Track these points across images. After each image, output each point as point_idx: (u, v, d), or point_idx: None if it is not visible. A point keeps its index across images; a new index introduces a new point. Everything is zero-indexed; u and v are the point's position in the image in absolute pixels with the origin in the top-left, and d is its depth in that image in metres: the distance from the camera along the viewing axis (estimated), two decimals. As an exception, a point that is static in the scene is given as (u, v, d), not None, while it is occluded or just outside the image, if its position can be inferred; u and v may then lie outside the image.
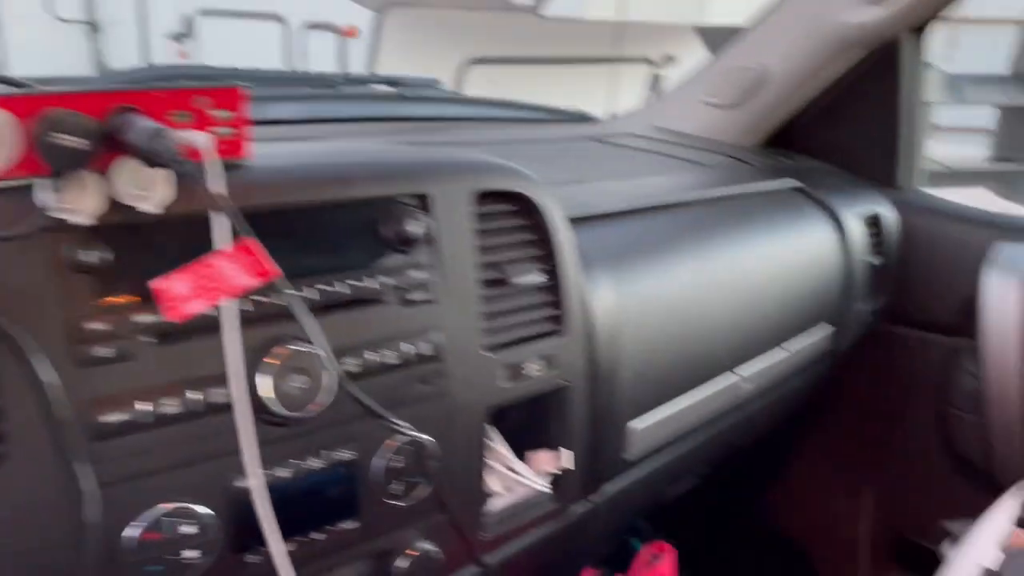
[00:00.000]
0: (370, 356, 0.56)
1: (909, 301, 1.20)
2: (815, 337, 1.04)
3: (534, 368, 0.66)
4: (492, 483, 0.67)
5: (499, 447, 0.67)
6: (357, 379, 0.54)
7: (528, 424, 0.72)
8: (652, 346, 0.78)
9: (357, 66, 4.38)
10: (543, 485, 0.70)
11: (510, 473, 0.68)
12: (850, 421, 1.30)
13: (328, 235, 0.55)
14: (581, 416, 0.71)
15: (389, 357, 0.57)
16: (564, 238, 0.68)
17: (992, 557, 0.64)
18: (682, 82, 1.33)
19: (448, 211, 0.60)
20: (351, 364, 0.54)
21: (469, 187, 0.62)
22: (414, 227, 0.57)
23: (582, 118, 1.40)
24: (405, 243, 0.58)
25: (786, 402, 1.08)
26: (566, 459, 0.70)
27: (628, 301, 0.75)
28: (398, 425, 0.55)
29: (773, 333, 0.96)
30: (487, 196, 0.63)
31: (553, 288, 0.68)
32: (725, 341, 0.88)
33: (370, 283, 0.56)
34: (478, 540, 0.65)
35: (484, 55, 4.26)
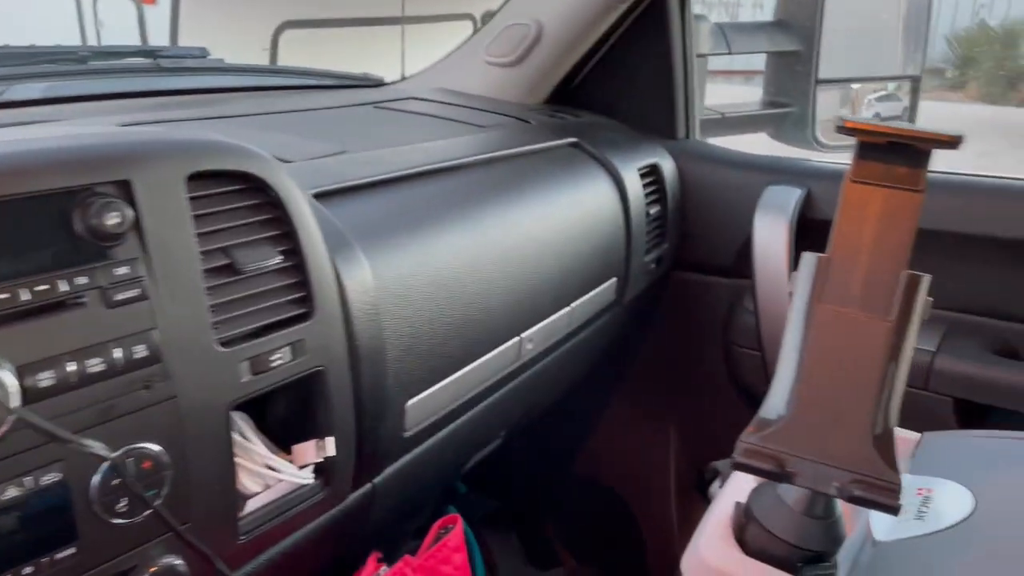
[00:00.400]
0: (71, 367, 0.50)
1: (693, 247, 1.25)
2: (601, 291, 1.06)
3: (280, 357, 0.62)
4: (248, 483, 0.63)
5: (253, 444, 0.63)
6: (54, 394, 0.49)
7: (294, 415, 0.68)
8: (421, 320, 0.75)
9: (160, 37, 4.07)
10: (304, 477, 0.66)
11: (267, 470, 0.64)
12: (650, 366, 1.35)
13: (7, 235, 0.49)
14: (345, 400, 0.68)
15: (95, 365, 0.51)
16: (303, 215, 0.64)
17: (746, 492, 0.66)
18: (465, 41, 1.31)
19: (156, 198, 0.55)
20: (45, 379, 0.48)
21: (180, 170, 0.56)
22: (114, 219, 0.51)
23: (368, 83, 1.35)
24: (104, 238, 0.52)
25: (579, 356, 1.09)
26: (329, 447, 0.67)
27: (389, 275, 0.72)
28: (78, 443, 0.50)
29: (558, 294, 0.97)
30: (206, 177, 0.58)
31: (295, 269, 0.63)
32: (504, 307, 0.87)
33: (62, 286, 0.50)
34: (233, 546, 0.61)
35: (297, 18, 4.07)
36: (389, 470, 0.77)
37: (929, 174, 1.18)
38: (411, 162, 0.85)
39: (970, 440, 0.80)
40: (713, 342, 1.26)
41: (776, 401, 0.52)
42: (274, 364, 0.62)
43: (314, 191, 0.72)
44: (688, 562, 0.69)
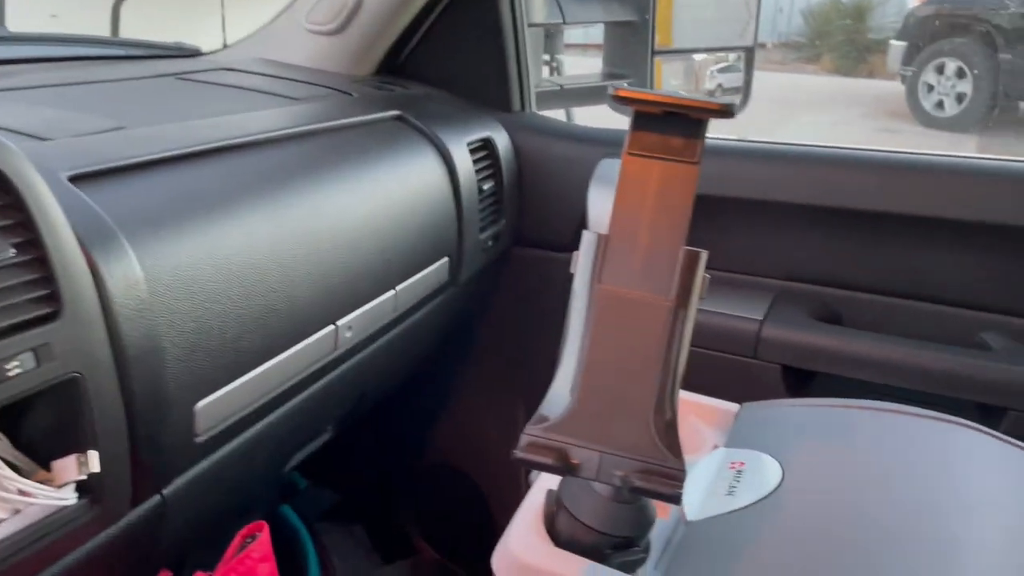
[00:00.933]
0: None
1: (532, 223, 1.22)
2: (431, 272, 1.01)
3: (18, 364, 0.54)
4: (-10, 510, 0.55)
5: (-7, 466, 0.55)
6: None
7: (53, 428, 0.60)
8: (208, 314, 0.68)
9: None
10: (62, 498, 0.59)
11: (16, 495, 0.56)
12: (496, 345, 1.32)
13: None
14: (112, 408, 0.61)
15: None
16: (43, 201, 0.56)
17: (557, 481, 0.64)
18: (287, 7, 1.22)
19: None
20: None
21: None
22: None
23: (182, 52, 1.24)
24: None
25: (413, 341, 1.05)
26: (92, 461, 0.60)
27: (164, 266, 0.65)
28: None
29: (379, 277, 0.91)
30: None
31: (36, 264, 0.55)
32: (314, 294, 0.81)
33: None
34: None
35: (137, -15, 3.79)
36: (181, 479, 0.70)
37: (755, 144, 1.19)
38: (200, 138, 0.78)
39: (784, 410, 0.80)
40: (557, 318, 1.24)
41: (560, 390, 0.49)
42: (11, 373, 0.54)
43: (71, 173, 0.64)
44: (499, 556, 0.65)
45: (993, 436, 0.73)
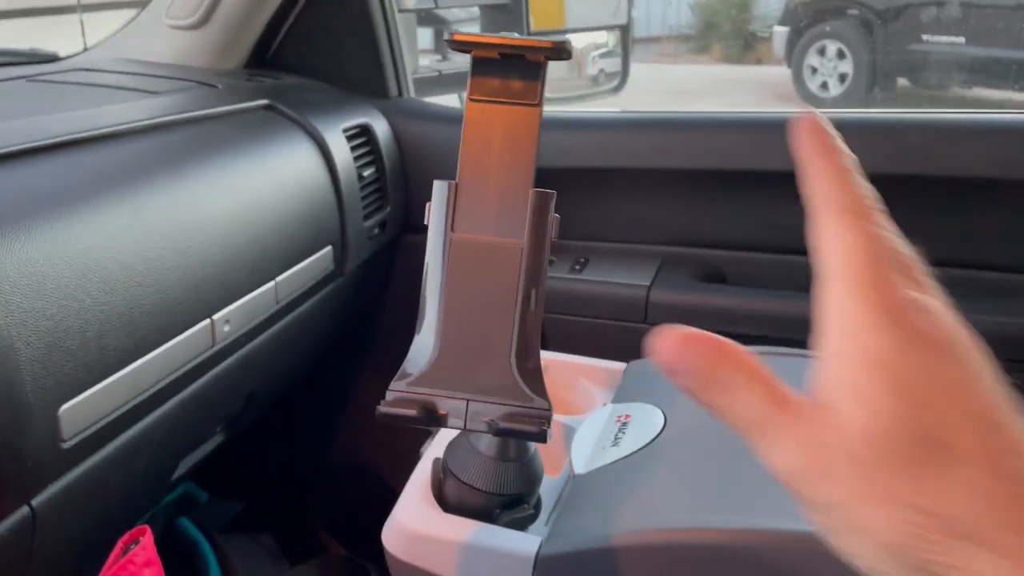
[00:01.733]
0: None
1: (418, 209, 1.21)
2: (314, 262, 0.99)
3: None
4: None
5: None
6: None
7: None
8: (65, 312, 0.65)
9: None
10: (-92, 514, 0.55)
11: None
12: (393, 334, 1.30)
13: None
14: (-38, 414, 0.57)
15: None
16: None
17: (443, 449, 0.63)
18: (145, 5, 1.18)
19: None
20: None
21: None
22: None
23: (37, 58, 1.19)
24: None
25: (300, 333, 1.02)
26: (-58, 473, 0.56)
27: (12, 263, 0.61)
28: None
29: (255, 268, 0.89)
30: None
31: None
32: (185, 287, 0.78)
33: None
34: None
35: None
36: (52, 488, 0.67)
37: (631, 114, 1.21)
38: (48, 132, 0.74)
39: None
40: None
41: (423, 343, 0.48)
42: None
43: (-103, 172, 0.60)
44: (388, 530, 0.65)
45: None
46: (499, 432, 0.46)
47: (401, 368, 0.48)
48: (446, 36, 0.48)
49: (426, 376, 0.47)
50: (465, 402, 0.47)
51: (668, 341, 0.30)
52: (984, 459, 0.25)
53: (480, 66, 0.48)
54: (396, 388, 0.47)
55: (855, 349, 0.27)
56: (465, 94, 0.49)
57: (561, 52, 0.47)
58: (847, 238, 0.29)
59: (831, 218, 0.30)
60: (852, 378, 0.27)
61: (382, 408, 0.47)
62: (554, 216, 0.48)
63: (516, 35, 0.48)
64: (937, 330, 0.27)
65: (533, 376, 0.47)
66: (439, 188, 0.49)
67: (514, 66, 0.48)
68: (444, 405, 0.47)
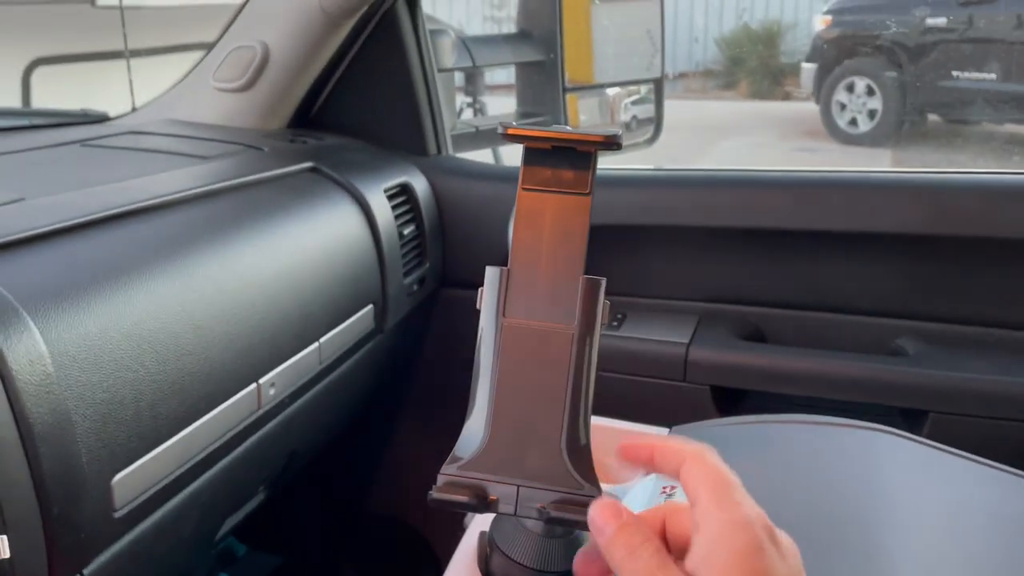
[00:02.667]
0: None
1: (457, 264, 1.23)
2: (356, 321, 1.00)
3: (-89, 454, 0.52)
4: None
5: None
6: None
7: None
8: (119, 383, 0.66)
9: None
10: (-30, 591, 0.56)
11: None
12: (431, 389, 1.31)
13: None
14: (21, 489, 0.58)
15: None
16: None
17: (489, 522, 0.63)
18: (193, 67, 1.21)
19: None
20: None
21: None
22: None
23: (89, 119, 1.22)
24: None
25: (342, 392, 1.03)
26: (3, 547, 0.57)
27: (70, 338, 0.63)
28: None
29: (300, 330, 0.90)
30: None
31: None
32: (232, 354, 0.79)
33: None
34: None
35: (48, 54, 3.72)
36: (103, 557, 0.68)
37: (668, 171, 1.22)
38: (103, 205, 0.76)
39: (713, 429, 0.82)
40: (489, 357, 1.24)
41: (474, 427, 0.48)
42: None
43: (-35, 250, 0.62)
44: (435, 605, 0.65)
45: (912, 440, 0.75)
46: (550, 520, 0.46)
47: (452, 452, 0.48)
48: (500, 130, 0.49)
49: (477, 461, 0.48)
50: (516, 488, 0.47)
51: (598, 510, 0.43)
52: None
53: (532, 156, 0.49)
54: (447, 472, 0.48)
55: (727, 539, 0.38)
56: (518, 184, 0.50)
57: (611, 144, 0.48)
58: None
59: None
60: (719, 561, 0.38)
61: (434, 494, 0.47)
62: (605, 302, 0.48)
63: (568, 128, 0.49)
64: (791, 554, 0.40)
65: (583, 462, 0.47)
66: (491, 274, 0.50)
67: (565, 156, 0.49)
68: (495, 490, 0.47)
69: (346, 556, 1.36)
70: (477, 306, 0.51)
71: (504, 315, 0.49)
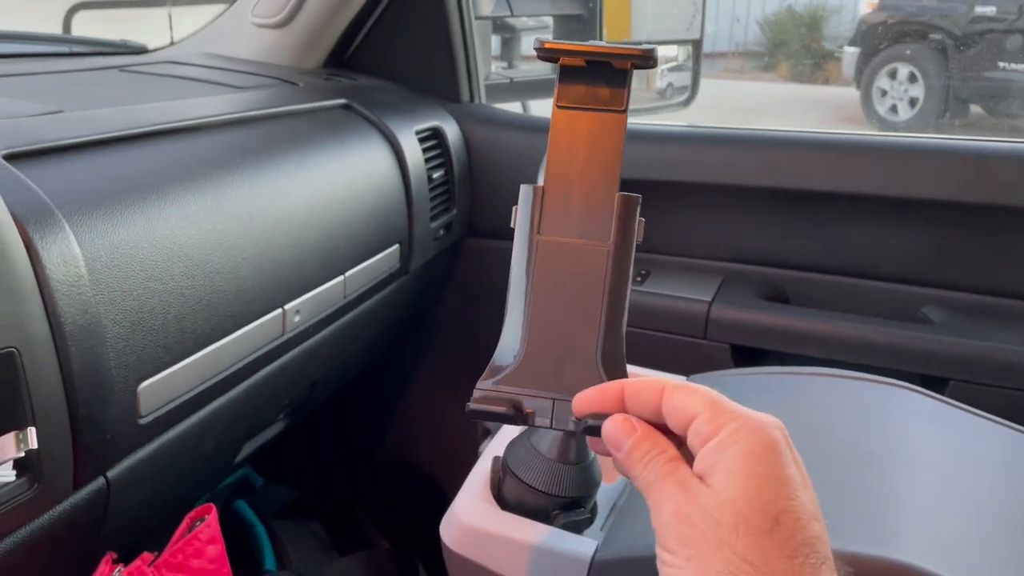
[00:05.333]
0: None
1: (484, 213, 1.23)
2: (382, 259, 1.01)
3: (-55, 338, 0.53)
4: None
5: (-75, 442, 0.54)
6: None
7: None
8: (149, 293, 0.68)
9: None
10: (1, 475, 0.58)
11: (-53, 471, 0.55)
12: (450, 335, 1.32)
13: None
14: (50, 384, 0.60)
15: None
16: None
17: (503, 448, 0.64)
18: (232, 2, 1.22)
19: None
20: None
21: None
22: None
23: (128, 50, 1.24)
24: None
25: (363, 328, 1.04)
26: (31, 438, 0.59)
27: (103, 244, 0.64)
28: None
29: (327, 262, 0.91)
30: None
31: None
32: (260, 277, 0.81)
33: None
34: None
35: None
36: (127, 462, 0.70)
37: (699, 128, 1.21)
38: (140, 121, 0.77)
39: (731, 378, 0.82)
40: (510, 307, 1.24)
41: (509, 342, 0.49)
42: (-62, 347, 0.53)
43: (6, 152, 0.64)
44: (446, 523, 0.66)
45: (931, 396, 0.75)
46: (587, 430, 0.47)
47: (489, 366, 0.49)
48: (535, 44, 0.49)
49: (513, 375, 0.48)
50: (552, 401, 0.48)
51: (613, 425, 0.43)
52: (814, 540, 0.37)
53: (567, 74, 0.49)
54: (483, 386, 0.48)
55: (736, 442, 0.38)
56: (552, 100, 0.50)
57: (648, 60, 0.48)
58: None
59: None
60: (727, 463, 0.38)
61: (472, 405, 0.48)
62: (640, 219, 0.48)
63: (602, 43, 0.49)
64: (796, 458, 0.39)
65: (619, 375, 0.48)
66: (525, 192, 0.50)
67: (600, 73, 0.49)
68: (531, 404, 0.48)
69: (359, 496, 1.38)
70: (511, 224, 0.51)
71: (539, 232, 0.49)
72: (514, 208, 0.51)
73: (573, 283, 0.49)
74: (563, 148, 0.50)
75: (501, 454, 0.64)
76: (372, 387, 1.35)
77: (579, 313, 0.48)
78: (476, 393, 0.48)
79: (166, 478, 0.77)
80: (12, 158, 0.63)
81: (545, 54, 0.49)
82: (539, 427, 0.48)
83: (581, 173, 0.50)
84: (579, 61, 0.49)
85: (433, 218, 1.12)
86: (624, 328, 0.49)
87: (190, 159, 0.78)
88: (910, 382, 1.01)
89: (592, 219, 0.49)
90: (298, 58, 1.17)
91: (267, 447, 1.03)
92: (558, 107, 0.50)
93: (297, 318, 0.87)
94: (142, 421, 0.69)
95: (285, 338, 0.86)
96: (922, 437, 0.67)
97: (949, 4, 7.11)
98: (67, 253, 0.61)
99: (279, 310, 0.84)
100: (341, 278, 0.94)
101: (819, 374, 0.78)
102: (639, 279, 1.17)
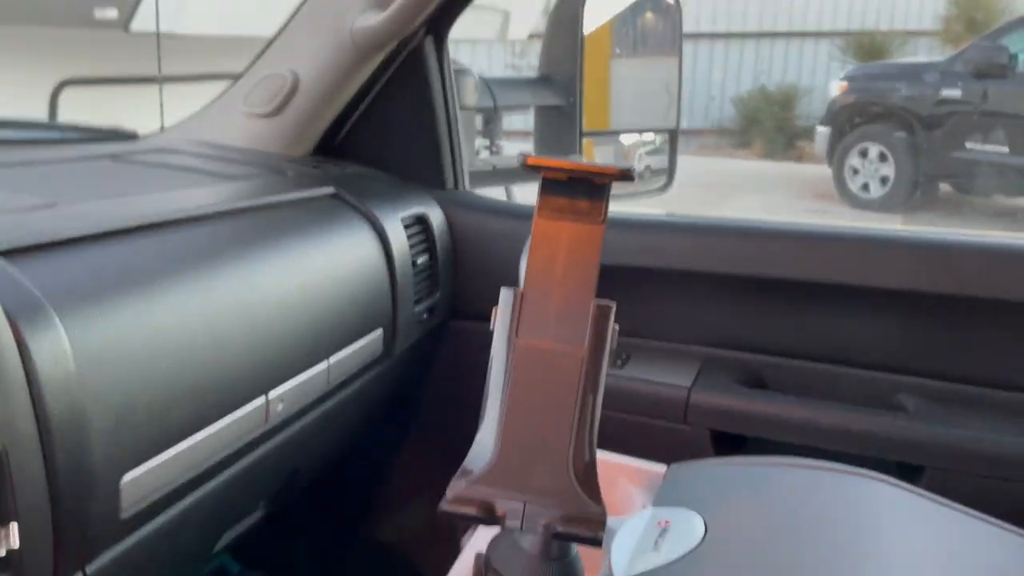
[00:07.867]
0: None
1: (468, 296, 1.25)
2: (365, 344, 1.02)
3: (-65, 439, 0.54)
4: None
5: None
6: None
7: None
8: (135, 387, 0.68)
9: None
10: (-21, 576, 0.57)
11: (-73, 571, 0.55)
12: (434, 418, 1.32)
13: None
14: (34, 481, 0.60)
15: None
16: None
17: (486, 543, 0.65)
18: (224, 91, 1.25)
19: None
20: None
21: None
22: None
23: (119, 136, 1.26)
24: None
25: (347, 413, 1.05)
26: (12, 536, 0.59)
27: (93, 339, 0.65)
28: None
29: (311, 348, 0.92)
30: None
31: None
32: (244, 365, 0.81)
33: None
34: None
35: (76, 76, 3.80)
36: (106, 557, 0.69)
37: (679, 218, 1.24)
38: (132, 215, 0.79)
39: (710, 469, 0.83)
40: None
41: (483, 442, 0.50)
42: (-72, 448, 0.53)
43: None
44: (429, 623, 0.66)
45: (906, 489, 0.76)
46: (556, 536, 0.47)
47: (462, 466, 0.50)
48: (518, 159, 0.52)
49: (486, 476, 0.49)
50: (523, 504, 0.49)
51: None
52: None
53: (549, 186, 0.52)
54: (456, 487, 0.49)
55: None
56: (534, 212, 0.52)
57: (626, 176, 0.51)
58: None
59: None
60: None
61: (444, 506, 0.48)
62: (614, 327, 0.50)
63: (583, 159, 0.52)
64: None
65: (589, 481, 0.49)
66: (506, 295, 0.52)
67: (580, 187, 0.52)
68: (503, 506, 0.49)
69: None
70: (491, 327, 0.53)
71: (517, 335, 0.51)
72: (494, 309, 0.52)
73: (548, 387, 0.50)
74: (543, 255, 0.52)
75: (484, 548, 0.65)
76: (354, 471, 1.34)
77: (552, 417, 0.50)
78: (448, 494, 0.49)
79: (145, 571, 0.76)
80: (5, 254, 0.65)
81: (528, 170, 0.51)
82: (509, 529, 0.49)
83: (560, 280, 0.52)
84: (561, 176, 0.51)
85: (417, 302, 1.14)
86: (595, 434, 0.50)
87: (181, 251, 0.80)
88: (887, 469, 1.02)
89: (568, 324, 0.51)
90: (288, 146, 1.20)
91: (245, 532, 1.02)
92: (540, 217, 0.52)
93: (281, 406, 0.87)
94: (123, 515, 0.69)
95: (268, 427, 0.86)
96: (902, 534, 0.68)
97: (917, 88, 7.38)
98: (57, 350, 0.62)
99: (262, 398, 0.84)
100: (325, 364, 0.94)
101: (795, 465, 0.79)
102: (619, 363, 1.18)
